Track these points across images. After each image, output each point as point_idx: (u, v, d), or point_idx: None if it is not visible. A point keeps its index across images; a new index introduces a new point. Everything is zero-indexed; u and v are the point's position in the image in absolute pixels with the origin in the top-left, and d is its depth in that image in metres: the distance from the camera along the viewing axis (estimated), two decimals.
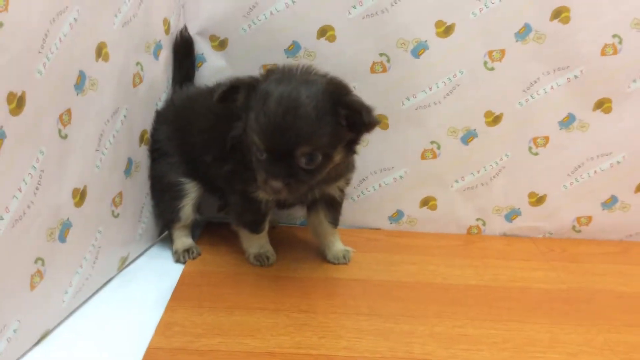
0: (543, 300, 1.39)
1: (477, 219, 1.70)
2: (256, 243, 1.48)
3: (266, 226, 1.48)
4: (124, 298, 1.33)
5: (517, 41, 1.53)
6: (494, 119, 1.60)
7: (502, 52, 1.54)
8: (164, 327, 1.21)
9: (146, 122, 1.48)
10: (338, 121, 1.16)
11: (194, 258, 1.49)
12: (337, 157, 1.22)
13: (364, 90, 1.55)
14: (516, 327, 1.26)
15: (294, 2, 1.51)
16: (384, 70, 1.56)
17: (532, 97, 1.58)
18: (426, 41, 1.53)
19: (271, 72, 1.23)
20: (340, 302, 1.34)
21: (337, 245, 1.52)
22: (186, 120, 1.48)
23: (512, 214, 1.69)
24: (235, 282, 1.40)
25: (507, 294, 1.40)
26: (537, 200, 1.67)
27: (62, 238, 1.15)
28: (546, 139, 1.62)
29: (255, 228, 1.46)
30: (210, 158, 1.41)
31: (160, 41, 1.49)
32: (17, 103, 0.96)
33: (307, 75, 1.21)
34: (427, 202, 1.69)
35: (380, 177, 1.66)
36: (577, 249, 1.65)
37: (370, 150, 1.63)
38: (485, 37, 1.53)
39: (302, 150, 1.14)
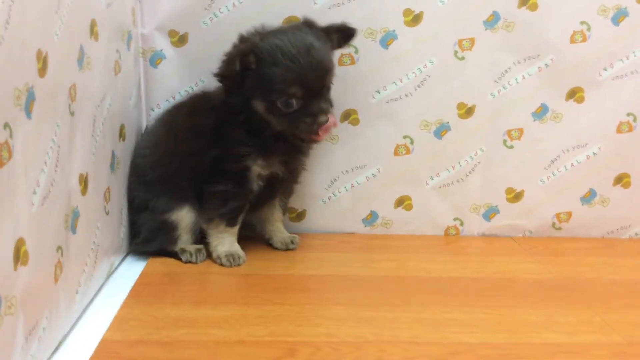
0: (533, 288, 1.30)
1: (455, 219, 1.63)
2: (227, 240, 1.38)
3: (240, 221, 1.39)
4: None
5: (486, 29, 1.50)
6: (467, 111, 1.55)
7: (472, 40, 1.51)
8: (120, 321, 1.08)
9: (124, 116, 1.37)
10: (331, 45, 1.33)
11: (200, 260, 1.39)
12: None
13: (333, 83, 1.51)
14: (508, 312, 1.17)
15: None
16: (352, 62, 1.51)
17: (503, 87, 1.54)
18: (394, 30, 1.49)
19: (257, 34, 1.30)
20: (316, 295, 1.23)
21: (284, 232, 1.51)
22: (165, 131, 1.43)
23: (490, 212, 1.62)
24: (200, 281, 1.28)
25: (493, 284, 1.31)
26: (515, 196, 1.61)
27: (73, 228, 1.02)
28: (520, 131, 1.57)
29: (234, 218, 1.37)
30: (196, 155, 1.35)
31: (130, 32, 1.41)
32: (42, 63, 0.86)
33: (283, 27, 1.35)
34: (402, 202, 1.61)
35: (352, 177, 1.58)
36: (560, 245, 1.58)
37: (341, 147, 1.56)
38: (455, 26, 1.49)
39: (329, 78, 1.29)
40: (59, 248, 0.95)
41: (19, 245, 0.80)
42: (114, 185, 1.28)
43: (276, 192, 1.44)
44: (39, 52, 0.86)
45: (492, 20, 1.50)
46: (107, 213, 1.23)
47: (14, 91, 0.78)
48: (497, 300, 1.23)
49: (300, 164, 1.43)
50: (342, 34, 1.35)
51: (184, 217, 1.36)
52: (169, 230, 1.36)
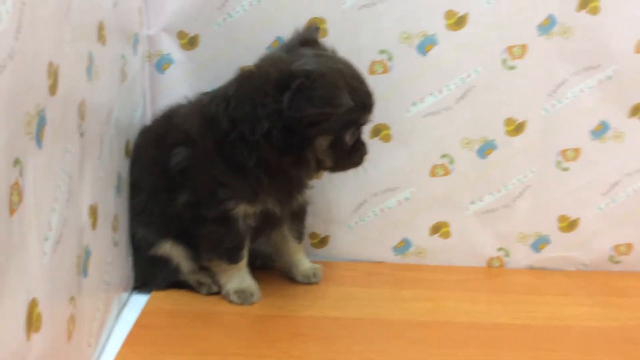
0: (595, 340, 1.11)
1: (499, 249, 1.43)
2: (236, 276, 1.21)
3: (246, 254, 1.21)
4: None
5: (540, 35, 1.31)
6: (516, 128, 1.36)
7: (524, 47, 1.31)
8: None
9: (129, 130, 1.21)
10: None
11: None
12: None
13: None
14: None
15: None
16: (385, 70, 1.32)
17: (558, 101, 1.35)
18: (434, 35, 1.30)
19: (293, 55, 1.09)
20: (343, 346, 1.04)
21: (305, 263, 1.32)
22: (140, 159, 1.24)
23: (540, 242, 1.42)
24: (206, 323, 1.11)
25: (548, 335, 1.12)
26: (569, 225, 1.41)
27: (85, 271, 0.87)
28: (576, 151, 1.38)
29: (234, 256, 1.19)
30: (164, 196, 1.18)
31: (137, 34, 1.25)
32: (54, 79, 0.71)
33: (298, 50, 1.12)
34: (438, 229, 1.42)
35: (382, 200, 1.39)
36: (620, 283, 1.38)
37: (370, 167, 1.35)
38: (504, 31, 1.30)
39: None
40: (72, 299, 0.79)
41: (32, 308, 0.65)
42: (120, 211, 1.11)
43: (277, 223, 1.26)
44: (50, 66, 0.70)
45: (547, 25, 1.30)
46: (116, 244, 1.07)
47: (25, 117, 0.62)
48: (554, 356, 1.04)
49: (298, 200, 1.24)
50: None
51: (172, 250, 1.19)
52: (163, 264, 1.20)
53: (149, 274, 1.22)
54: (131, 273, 1.21)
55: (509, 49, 1.31)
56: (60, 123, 0.74)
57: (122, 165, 1.13)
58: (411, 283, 1.34)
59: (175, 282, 1.23)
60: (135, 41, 1.23)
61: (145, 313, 1.13)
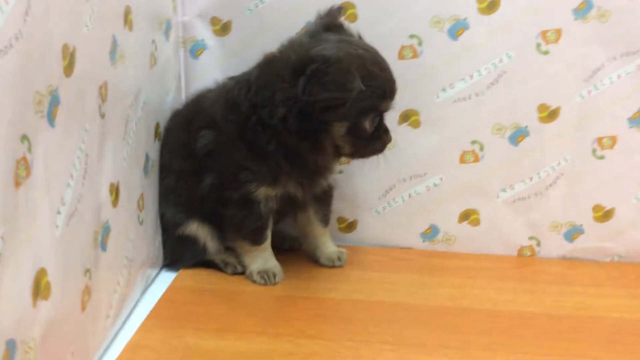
0: (626, 332, 1.08)
1: (530, 238, 1.40)
2: (259, 257, 1.23)
3: (269, 235, 1.23)
4: None
5: (575, 19, 1.27)
6: (550, 114, 1.33)
7: (558, 32, 1.28)
8: (131, 350, 0.94)
9: (159, 113, 1.24)
10: None
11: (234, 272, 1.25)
12: None
13: None
14: None
15: None
16: (415, 55, 1.31)
17: (595, 87, 1.31)
18: (465, 19, 1.28)
19: (315, 40, 1.10)
20: (360, 327, 1.05)
21: (330, 246, 1.33)
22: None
23: (573, 232, 1.39)
24: (228, 301, 1.13)
25: (575, 325, 1.10)
26: (604, 215, 1.37)
27: (103, 245, 0.90)
28: (613, 139, 1.33)
29: (257, 237, 1.21)
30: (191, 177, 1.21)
31: (170, 20, 1.28)
32: (69, 60, 0.75)
33: (320, 35, 1.12)
34: (467, 216, 1.40)
35: (411, 186, 1.39)
36: None
37: (398, 153, 1.36)
38: (538, 14, 1.27)
39: None
40: (87, 271, 0.83)
41: (39, 277, 0.68)
42: (147, 191, 1.15)
43: (300, 206, 1.27)
44: (65, 47, 0.73)
45: (584, 9, 1.27)
46: (141, 222, 1.10)
47: (35, 96, 0.66)
48: (580, 347, 1.02)
49: (322, 184, 1.24)
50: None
51: (198, 230, 1.22)
52: (190, 243, 1.23)
53: (177, 253, 1.25)
54: (159, 251, 1.24)
55: (543, 34, 1.28)
56: (76, 103, 0.77)
57: (150, 147, 1.17)
58: (437, 270, 1.33)
59: (202, 261, 1.26)
60: (168, 27, 1.26)
61: (171, 289, 1.17)
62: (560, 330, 1.07)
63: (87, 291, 0.82)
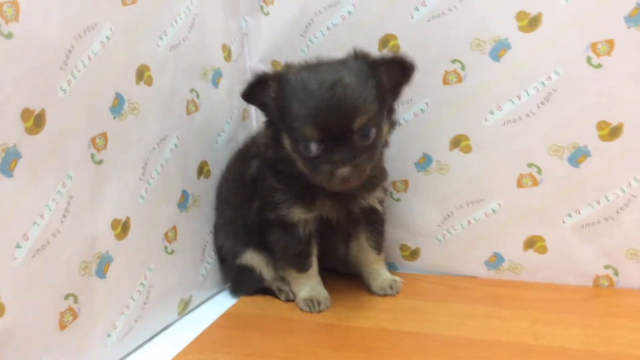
0: None
1: (606, 267, 1.28)
2: (306, 285, 1.29)
3: (314, 262, 1.29)
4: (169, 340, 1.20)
5: (629, 27, 1.16)
6: (611, 132, 1.21)
7: (610, 43, 1.17)
8: None
9: (204, 153, 1.38)
10: (379, 82, 1.11)
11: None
12: (385, 129, 1.16)
13: (437, 106, 1.33)
14: None
15: (350, 13, 1.35)
16: (459, 80, 1.29)
17: None
18: (507, 39, 1.24)
19: (293, 65, 1.17)
20: (378, 358, 1.06)
21: (383, 274, 1.33)
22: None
23: None
24: (269, 327, 1.21)
25: None
26: None
27: (101, 273, 1.06)
28: None
29: (301, 264, 1.28)
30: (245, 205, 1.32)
31: (219, 68, 1.42)
32: (34, 121, 0.91)
33: (332, 59, 1.16)
34: (532, 244, 1.32)
35: (469, 212, 1.35)
36: None
37: (452, 179, 1.34)
38: (585, 26, 1.19)
39: (359, 122, 1.06)
40: (70, 295, 0.97)
41: None
42: (184, 224, 1.28)
43: (342, 230, 1.29)
44: (26, 111, 0.89)
45: (637, 15, 1.15)
46: (170, 253, 1.24)
47: None
48: None
49: (358, 204, 1.24)
50: (390, 68, 1.13)
51: (253, 258, 1.31)
52: (248, 272, 1.33)
53: (237, 282, 1.37)
54: (206, 277, 1.36)
55: (593, 46, 1.19)
56: (48, 156, 0.92)
57: (190, 184, 1.30)
58: (496, 300, 1.27)
59: (261, 288, 1.35)
60: (217, 75, 1.40)
61: (225, 315, 1.28)
62: None
63: (71, 312, 0.97)
